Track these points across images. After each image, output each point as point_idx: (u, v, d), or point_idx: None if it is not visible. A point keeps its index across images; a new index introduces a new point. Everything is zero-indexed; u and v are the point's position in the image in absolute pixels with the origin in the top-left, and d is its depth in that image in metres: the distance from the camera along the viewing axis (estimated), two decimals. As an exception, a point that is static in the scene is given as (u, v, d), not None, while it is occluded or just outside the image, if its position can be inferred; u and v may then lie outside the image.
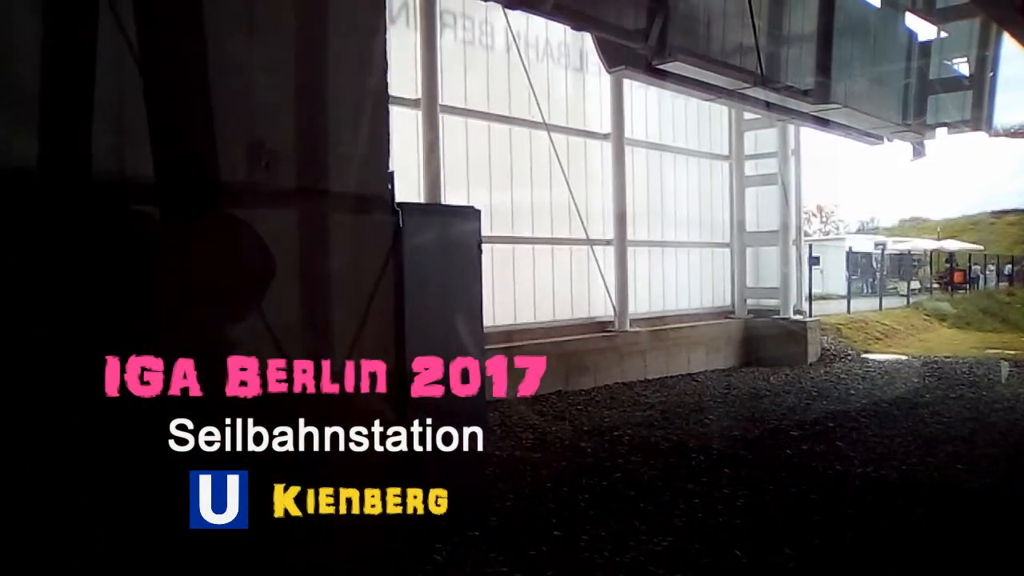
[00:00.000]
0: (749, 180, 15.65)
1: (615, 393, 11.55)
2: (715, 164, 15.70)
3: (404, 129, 10.55)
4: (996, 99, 13.24)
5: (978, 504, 6.10)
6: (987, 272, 29.76)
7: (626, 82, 13.11)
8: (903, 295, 24.66)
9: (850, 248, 25.82)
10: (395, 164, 10.02)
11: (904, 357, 15.26)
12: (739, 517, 5.74)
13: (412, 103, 10.57)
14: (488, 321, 11.57)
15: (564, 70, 12.84)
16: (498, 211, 11.84)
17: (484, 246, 11.62)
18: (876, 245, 31.10)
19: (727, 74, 9.61)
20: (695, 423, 9.30)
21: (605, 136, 13.21)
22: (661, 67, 9.05)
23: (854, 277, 28.16)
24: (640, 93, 13.94)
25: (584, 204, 12.92)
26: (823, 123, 12.59)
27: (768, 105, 11.15)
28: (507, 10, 10.79)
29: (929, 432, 8.77)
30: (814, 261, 32.66)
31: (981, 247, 31.29)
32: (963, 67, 13.53)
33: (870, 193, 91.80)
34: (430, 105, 10.50)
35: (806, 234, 47.25)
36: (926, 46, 12.91)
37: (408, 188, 10.43)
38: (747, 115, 15.35)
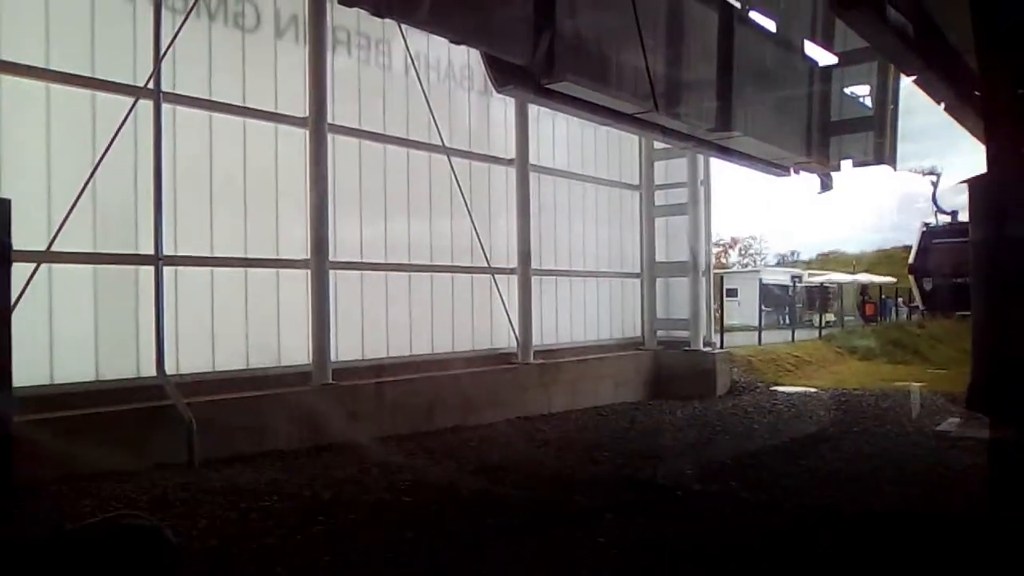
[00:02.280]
0: (659, 210, 15.33)
1: (514, 428, 10.94)
2: (625, 193, 15.35)
3: (291, 148, 9.91)
4: (899, 132, 13.15)
5: (868, 546, 5.63)
6: (898, 305, 30.21)
7: (532, 108, 12.69)
8: (817, 327, 24.72)
9: (760, 280, 25.84)
10: (274, 182, 9.29)
11: (813, 390, 15.00)
12: (604, 570, 5.13)
13: (300, 121, 9.91)
14: (381, 353, 11.01)
15: (467, 93, 12.33)
16: (394, 237, 11.22)
17: (376, 275, 11.14)
18: (792, 278, 31.36)
19: (622, 97, 9.16)
20: (589, 461, 8.72)
21: (510, 162, 12.71)
22: (551, 87, 8.55)
23: (769, 310, 28.25)
24: (548, 120, 13.52)
25: (487, 232, 12.38)
26: (726, 152, 12.29)
27: (668, 132, 10.76)
28: (402, 27, 10.31)
29: (828, 469, 8.36)
30: (731, 293, 32.96)
31: (894, 280, 31.71)
32: (867, 99, 13.45)
33: (792, 227, 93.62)
34: (318, 124, 9.85)
35: (724, 266, 48.11)
36: (827, 76, 12.76)
37: (295, 210, 9.77)
38: (657, 144, 15.06)
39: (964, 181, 11.01)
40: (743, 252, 53.29)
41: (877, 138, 12.98)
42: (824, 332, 23.21)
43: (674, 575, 5.12)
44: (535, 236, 13.14)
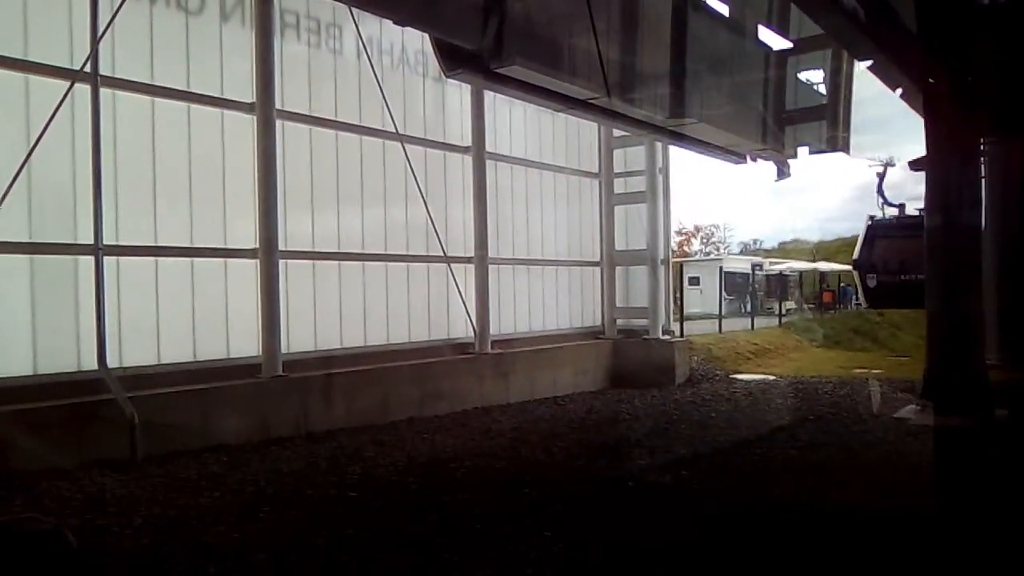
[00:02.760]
0: (619, 198, 15.21)
1: (470, 419, 10.77)
2: (584, 182, 15.20)
3: (239, 135, 9.62)
4: (852, 119, 13.14)
5: (820, 533, 5.55)
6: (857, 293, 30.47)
7: (489, 95, 12.50)
8: (777, 315, 24.82)
9: (721, 268, 25.86)
10: (221, 170, 8.98)
11: (772, 377, 15.03)
12: (547, 568, 4.99)
13: (246, 107, 9.63)
14: (334, 344, 10.79)
15: (422, 79, 12.09)
16: (347, 226, 10.99)
17: (328, 264, 10.89)
18: (753, 266, 31.47)
19: (574, 83, 8.99)
20: (542, 452, 8.59)
21: (466, 149, 12.51)
22: (501, 72, 8.35)
23: (731, 298, 28.33)
24: (505, 107, 13.33)
25: (443, 220, 12.18)
26: (682, 139, 12.19)
27: (623, 119, 10.61)
28: (352, 11, 10.06)
29: (783, 458, 8.31)
30: (693, 281, 33.05)
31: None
32: (821, 87, 13.43)
33: (754, 216, 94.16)
34: (265, 110, 9.58)
35: (686, 255, 48.32)
36: (782, 62, 12.71)
37: (243, 198, 9.50)
38: (616, 132, 14.94)
39: (911, 162, 11.12)
40: (705, 240, 53.61)
41: (831, 126, 12.97)
42: (784, 320, 23.33)
43: (615, 569, 4.98)
44: (493, 225, 12.96)
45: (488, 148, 12.81)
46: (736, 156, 13.62)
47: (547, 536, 5.57)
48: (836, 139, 13.18)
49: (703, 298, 27.55)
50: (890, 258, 19.25)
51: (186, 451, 8.24)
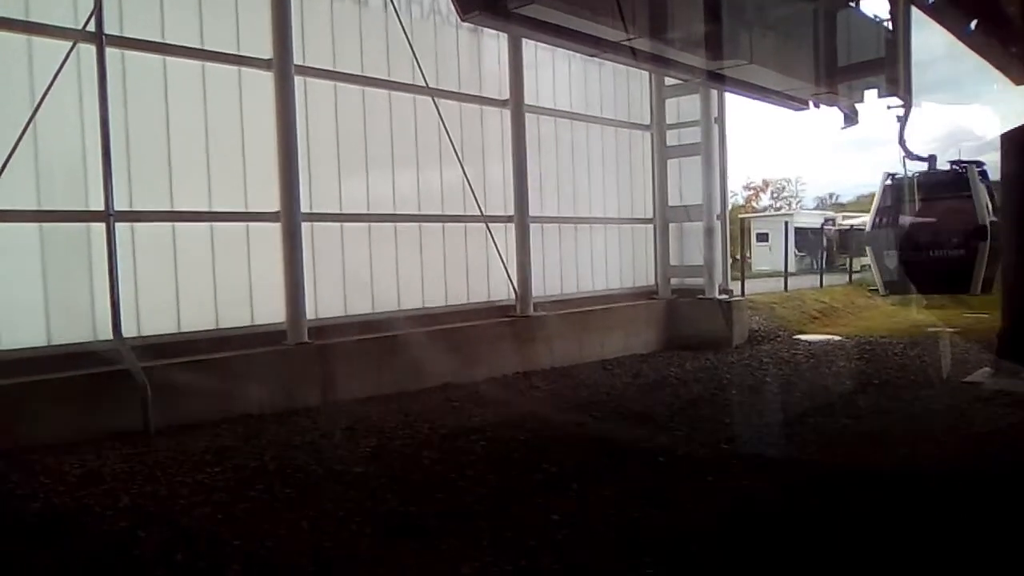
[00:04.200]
0: (672, 151, 14.27)
1: (507, 385, 10.21)
2: (635, 134, 14.32)
3: (257, 94, 9.13)
4: (912, 55, 11.86)
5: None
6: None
7: (528, 45, 11.74)
8: (848, 271, 23.44)
9: (785, 224, 24.49)
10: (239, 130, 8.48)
11: (837, 338, 14.00)
12: (555, 555, 4.39)
13: (264, 64, 9.11)
14: (366, 308, 10.31)
15: (455, 30, 11.37)
16: (377, 186, 10.44)
17: (358, 227, 10.37)
18: (825, 221, 29.89)
19: (602, 22, 8.16)
20: (574, 422, 7.95)
21: (504, 103, 11.79)
22: (519, 12, 7.60)
23: (802, 254, 26.98)
24: (547, 58, 12.56)
25: (482, 179, 11.55)
26: (735, 84, 11.19)
27: (660, 60, 9.71)
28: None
29: (834, 428, 7.50)
30: (762, 237, 31.63)
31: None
32: (887, 23, 12.14)
33: (831, 168, 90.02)
34: (283, 65, 9.05)
35: (755, 210, 46.44)
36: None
37: (263, 160, 9.03)
38: (668, 81, 14.00)
39: (1002, 135, 9.88)
40: (776, 195, 51.40)
41: (893, 66, 11.75)
42: (855, 276, 21.97)
43: (603, 568, 4.33)
44: (535, 182, 12.27)
45: (529, 101, 12.07)
46: (796, 102, 12.53)
47: (553, 520, 4.96)
48: (898, 81, 11.94)
49: (772, 255, 26.28)
50: (916, 228, 14.76)
51: (204, 422, 7.89)
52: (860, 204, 46.44)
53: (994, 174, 13.42)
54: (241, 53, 9.05)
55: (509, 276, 11.52)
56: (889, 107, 13.32)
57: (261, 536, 4.78)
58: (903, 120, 13.81)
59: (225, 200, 8.99)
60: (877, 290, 17.69)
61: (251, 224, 9.18)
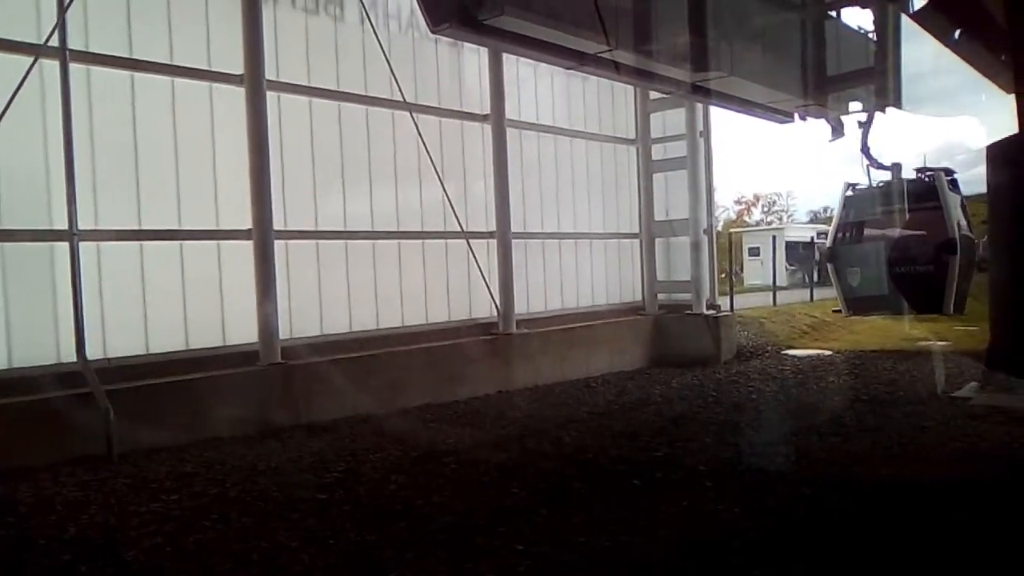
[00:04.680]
0: (657, 165, 14.08)
1: (487, 405, 9.94)
2: (620, 148, 14.13)
3: (228, 110, 8.92)
4: (902, 67, 11.67)
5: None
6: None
7: (511, 60, 11.55)
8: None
9: (774, 238, 24.31)
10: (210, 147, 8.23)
11: (827, 352, 13.76)
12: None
13: (236, 79, 8.91)
14: (343, 328, 10.06)
15: (434, 44, 11.19)
16: (354, 203, 10.23)
17: (334, 244, 10.14)
18: (817, 235, 29.67)
19: (577, 34, 7.96)
20: (550, 442, 7.68)
21: (485, 118, 11.59)
22: (492, 23, 7.40)
23: (793, 268, 26.78)
24: (529, 72, 12.38)
25: (463, 195, 11.35)
26: (718, 97, 10.99)
27: (640, 74, 9.51)
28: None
29: (820, 448, 7.24)
30: (754, 252, 31.44)
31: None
32: (871, 34, 11.97)
33: (824, 182, 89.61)
34: (254, 81, 8.85)
35: (746, 225, 46.27)
36: (821, 5, 11.32)
37: (235, 177, 8.80)
38: (653, 95, 13.82)
39: (987, 147, 9.67)
40: (767, 209, 51.19)
41: (880, 77, 11.55)
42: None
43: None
44: (518, 198, 12.08)
45: (512, 116, 11.90)
46: (781, 115, 12.34)
47: (517, 551, 4.69)
48: (887, 92, 11.75)
49: (763, 269, 26.10)
50: (880, 243, 13.67)
51: (171, 446, 7.61)
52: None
53: (981, 186, 12.91)
54: (212, 68, 8.85)
55: (491, 293, 11.28)
56: (850, 111, 12.95)
57: (207, 571, 4.52)
58: (866, 126, 13.36)
59: (195, 218, 8.76)
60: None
61: (222, 243, 8.96)
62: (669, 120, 14.06)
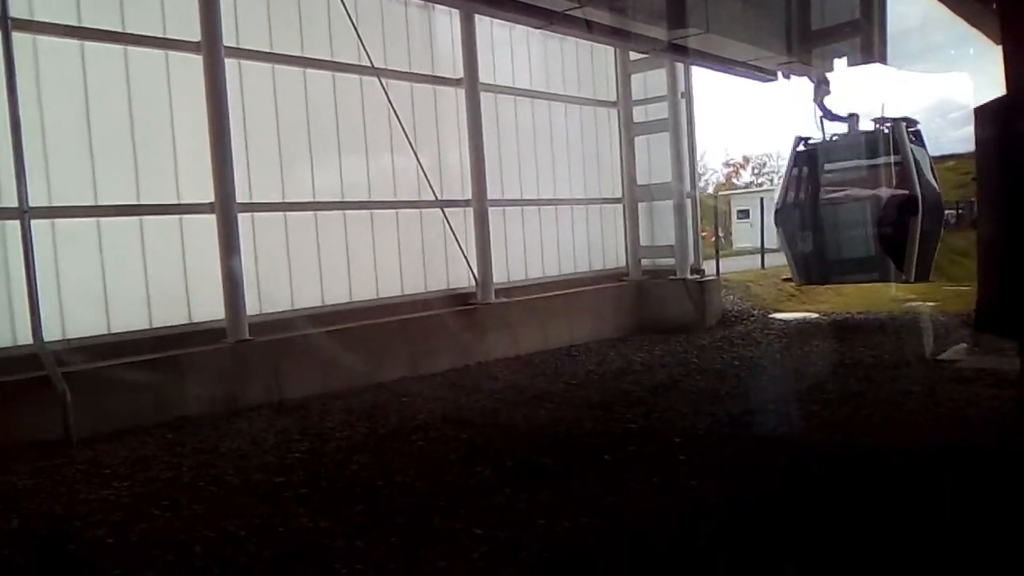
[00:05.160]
0: (639, 128, 13.69)
1: (464, 377, 9.69)
2: (600, 112, 13.75)
3: (186, 79, 8.53)
4: (888, 22, 11.26)
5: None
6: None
7: (484, 22, 11.15)
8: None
9: (762, 200, 23.94)
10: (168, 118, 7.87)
11: (814, 315, 13.52)
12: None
13: (193, 47, 8.52)
14: (315, 301, 9.77)
15: (403, 7, 10.77)
16: (323, 173, 9.89)
17: (303, 216, 9.81)
18: (806, 195, 29.32)
19: (544, -11, 7.58)
20: (523, 416, 7.44)
21: (458, 82, 11.21)
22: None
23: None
24: (504, 33, 11.96)
25: (436, 162, 11.01)
26: (693, 55, 10.62)
27: (613, 32, 9.13)
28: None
29: (798, 415, 7.01)
30: (743, 214, 31.09)
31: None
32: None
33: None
34: (211, 48, 8.45)
35: (735, 187, 45.85)
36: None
37: (196, 149, 8.44)
38: (633, 56, 13.41)
39: (976, 108, 9.31)
40: (757, 171, 50.64)
41: (865, 32, 11.14)
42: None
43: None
44: (496, 164, 11.76)
45: (487, 80, 11.52)
46: (763, 73, 11.99)
47: (475, 535, 4.46)
48: (872, 48, 11.35)
49: (752, 232, 25.75)
50: (833, 204, 12.31)
51: (135, 428, 7.37)
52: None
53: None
54: (167, 36, 8.46)
55: (468, 263, 10.98)
56: (835, 68, 12.21)
57: (147, 563, 4.28)
58: (819, 83, 12.57)
59: (155, 193, 8.42)
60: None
61: (185, 217, 8.63)
62: (650, 81, 13.65)
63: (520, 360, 10.69)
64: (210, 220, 8.57)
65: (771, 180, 46.48)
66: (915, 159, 11.54)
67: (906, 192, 11.41)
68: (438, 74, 11.09)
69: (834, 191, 12.44)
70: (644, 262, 13.91)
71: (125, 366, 7.67)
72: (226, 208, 8.54)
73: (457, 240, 10.81)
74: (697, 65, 11.73)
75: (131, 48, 8.26)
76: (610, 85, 13.81)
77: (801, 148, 12.77)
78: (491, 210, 11.44)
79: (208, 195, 8.54)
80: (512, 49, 12.19)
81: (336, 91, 9.99)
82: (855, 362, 9.36)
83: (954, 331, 10.64)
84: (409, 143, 10.22)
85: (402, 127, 10.14)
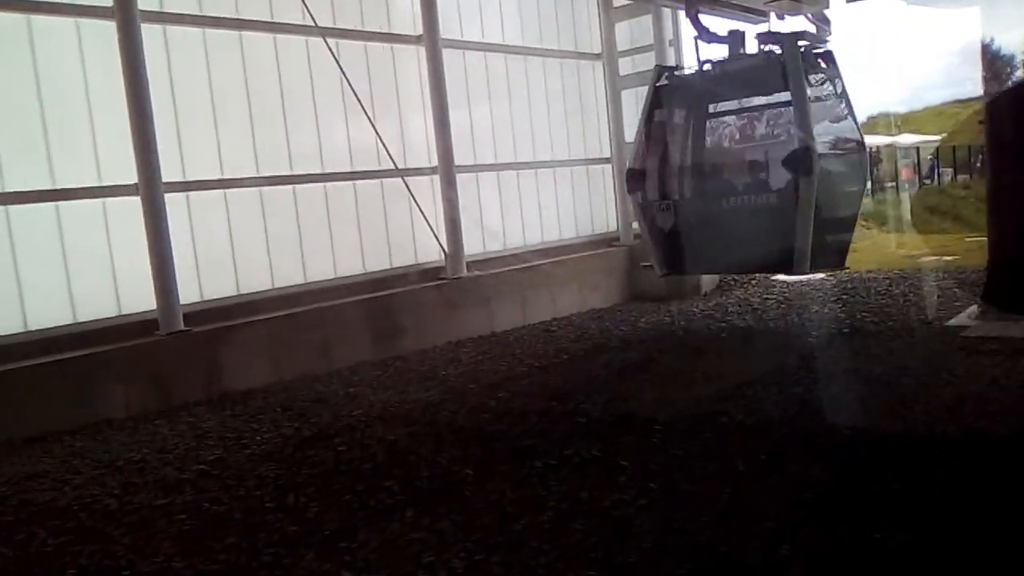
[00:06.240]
0: (626, 80, 12.59)
1: (427, 360, 8.86)
2: (584, 65, 12.67)
3: (103, 49, 7.69)
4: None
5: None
6: (940, 166, 26.18)
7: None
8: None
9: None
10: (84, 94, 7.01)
11: (820, 276, 12.42)
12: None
13: (105, 12, 7.65)
14: (264, 285, 8.97)
15: (352, -42, 9.79)
16: (268, 147, 9.02)
17: (246, 193, 8.94)
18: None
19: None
20: (468, 411, 6.56)
21: (419, 39, 10.23)
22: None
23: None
24: (472, -15, 10.93)
25: (398, 128, 10.10)
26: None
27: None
28: None
29: (780, 399, 6.08)
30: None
31: (939, 138, 27.44)
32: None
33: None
34: (126, 11, 7.59)
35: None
36: None
37: (118, 126, 7.60)
38: (616, 1, 12.31)
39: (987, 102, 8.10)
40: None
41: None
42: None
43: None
44: (467, 128, 10.82)
45: (452, 35, 10.56)
46: (755, 14, 10.82)
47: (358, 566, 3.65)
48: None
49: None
50: (701, 161, 9.00)
51: (50, 434, 6.69)
52: (869, 126, 43.97)
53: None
54: (75, 2, 7.60)
55: (435, 235, 10.09)
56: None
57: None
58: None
59: (72, 176, 7.63)
60: (874, 219, 15.47)
61: (108, 200, 7.84)
62: (636, 30, 12.54)
63: (493, 339, 9.83)
64: (135, 202, 7.78)
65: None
66: (819, 95, 8.23)
67: (793, 143, 7.87)
68: (395, 31, 10.11)
69: (701, 143, 9.09)
70: (636, 226, 12.87)
71: (44, 367, 6.97)
72: (151, 188, 7.74)
73: (422, 211, 9.91)
74: (681, 8, 10.58)
75: (35, 17, 7.42)
76: (593, 36, 12.71)
77: (664, 82, 9.01)
78: (463, 177, 10.55)
79: (131, 175, 7.73)
80: (481, 1, 11.15)
81: (279, 55, 9.09)
82: (854, 330, 8.38)
83: (966, 291, 9.54)
84: (363, 108, 9.30)
85: (353, 91, 9.23)
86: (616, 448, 5.20)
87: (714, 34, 8.92)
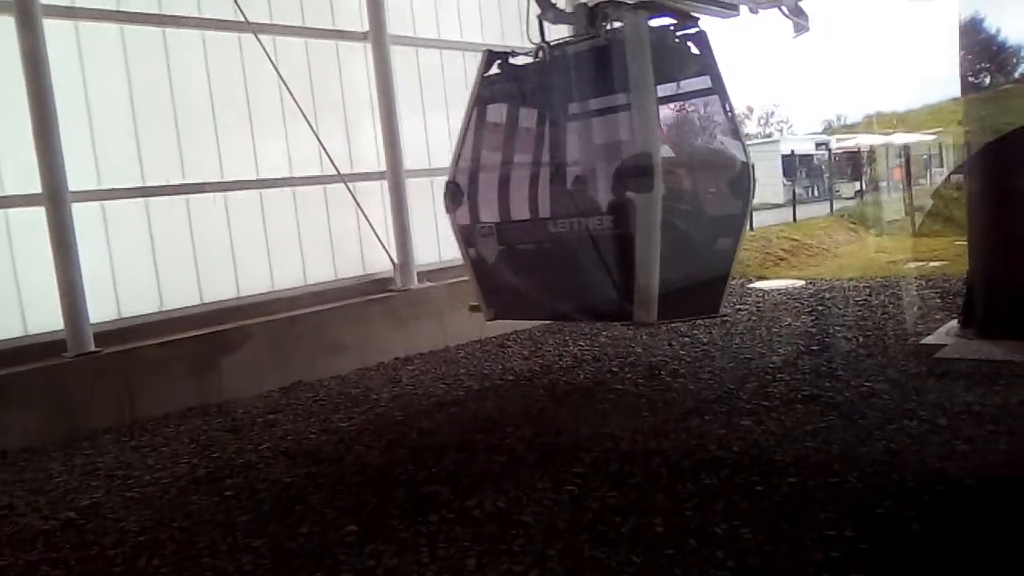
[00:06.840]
0: (594, 80, 11.87)
1: (366, 379, 8.23)
2: (550, 63, 11.97)
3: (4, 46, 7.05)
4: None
5: None
6: (932, 166, 25.43)
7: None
8: (828, 201, 20.80)
9: (749, 153, 21.99)
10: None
11: (799, 283, 11.75)
12: None
13: (6, 7, 7.02)
14: (191, 300, 8.31)
15: (292, -51, 9.13)
16: (195, 152, 8.39)
17: (170, 202, 8.22)
18: (817, 145, 27.03)
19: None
20: (384, 445, 5.90)
21: (364, 36, 9.58)
22: None
23: (788, 183, 24.36)
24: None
25: (344, 131, 9.46)
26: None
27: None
28: None
29: (721, 435, 5.42)
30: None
31: (933, 136, 26.67)
32: None
33: (834, 89, 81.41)
34: (26, 7, 6.96)
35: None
36: None
37: (21, 132, 6.96)
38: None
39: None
40: (764, 121, 47.62)
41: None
42: (839, 206, 19.38)
43: None
44: (421, 130, 10.17)
45: (403, 32, 9.92)
46: (724, 8, 10.09)
47: None
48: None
49: (757, 186, 23.72)
50: (535, 177, 6.88)
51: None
52: (867, 125, 43.13)
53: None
54: (-30, -2, 6.97)
55: (382, 244, 9.44)
56: None
57: None
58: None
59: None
60: (864, 222, 14.84)
61: (10, 211, 7.21)
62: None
63: (443, 355, 9.17)
64: (40, 213, 7.15)
65: (780, 130, 43.95)
66: (686, 90, 6.56)
67: (631, 150, 5.91)
68: (339, 27, 9.46)
69: (532, 149, 6.98)
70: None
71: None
72: (56, 198, 7.12)
73: (368, 219, 9.27)
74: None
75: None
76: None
77: (495, 71, 6.97)
78: (415, 182, 9.89)
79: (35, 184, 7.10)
80: (436, -4, 10.50)
81: (207, 54, 8.44)
82: (823, 347, 7.73)
83: (950, 302, 8.87)
84: (300, 110, 8.66)
85: (289, 92, 8.59)
86: (527, 498, 4.54)
87: (561, 11, 6.92)
